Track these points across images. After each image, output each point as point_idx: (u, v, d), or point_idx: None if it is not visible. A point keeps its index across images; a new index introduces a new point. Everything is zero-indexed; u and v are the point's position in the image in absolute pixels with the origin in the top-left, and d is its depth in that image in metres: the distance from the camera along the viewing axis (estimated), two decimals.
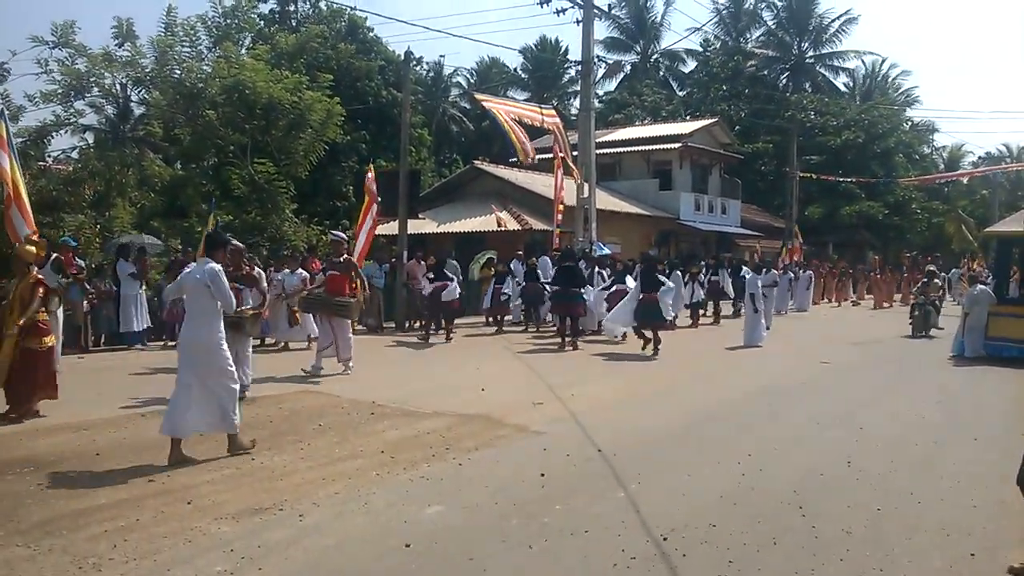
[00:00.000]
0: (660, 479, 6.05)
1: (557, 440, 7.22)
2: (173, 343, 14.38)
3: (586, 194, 21.20)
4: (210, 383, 6.45)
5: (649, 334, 13.88)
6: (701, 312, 20.23)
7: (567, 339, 14.67)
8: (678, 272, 17.73)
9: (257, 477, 5.92)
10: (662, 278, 14.19)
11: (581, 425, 7.85)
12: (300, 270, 14.15)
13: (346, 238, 12.28)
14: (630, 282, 15.28)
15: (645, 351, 13.81)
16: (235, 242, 9.15)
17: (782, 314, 22.17)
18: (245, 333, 8.69)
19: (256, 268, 10.40)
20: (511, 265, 18.62)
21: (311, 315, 12.54)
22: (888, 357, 14.49)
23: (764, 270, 18.45)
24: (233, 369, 6.67)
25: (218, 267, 6.62)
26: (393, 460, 6.45)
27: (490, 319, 18.38)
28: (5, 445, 6.84)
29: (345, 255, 11.64)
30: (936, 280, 19.12)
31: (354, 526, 4.95)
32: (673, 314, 15.33)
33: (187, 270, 6.86)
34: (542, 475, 6.03)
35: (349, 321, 11.46)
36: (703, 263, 21.25)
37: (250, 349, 9.18)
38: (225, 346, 6.60)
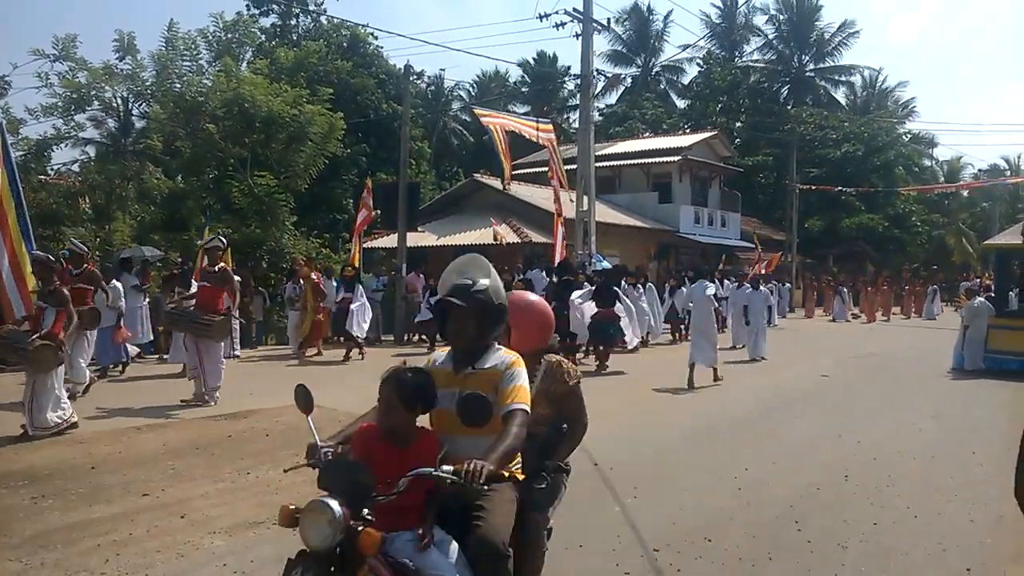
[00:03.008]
0: (656, 493, 6.03)
1: None
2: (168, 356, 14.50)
3: (585, 207, 21.21)
4: None
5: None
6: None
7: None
8: (651, 285, 17.42)
9: (252, 491, 5.90)
10: (623, 296, 13.90)
11: None
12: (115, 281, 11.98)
13: (223, 245, 10.81)
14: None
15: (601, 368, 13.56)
16: (36, 252, 8.43)
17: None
18: (36, 364, 7.54)
19: (81, 283, 9.49)
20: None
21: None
22: (887, 370, 14.47)
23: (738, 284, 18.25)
24: None
25: None
26: None
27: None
28: (0, 458, 6.83)
29: (221, 264, 10.24)
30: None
31: None
32: (631, 336, 14.30)
33: None
34: None
35: (219, 344, 9.86)
36: (684, 275, 21.05)
37: (55, 385, 7.79)
38: None
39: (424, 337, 17.35)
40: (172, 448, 7.23)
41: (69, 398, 9.36)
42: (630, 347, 14.92)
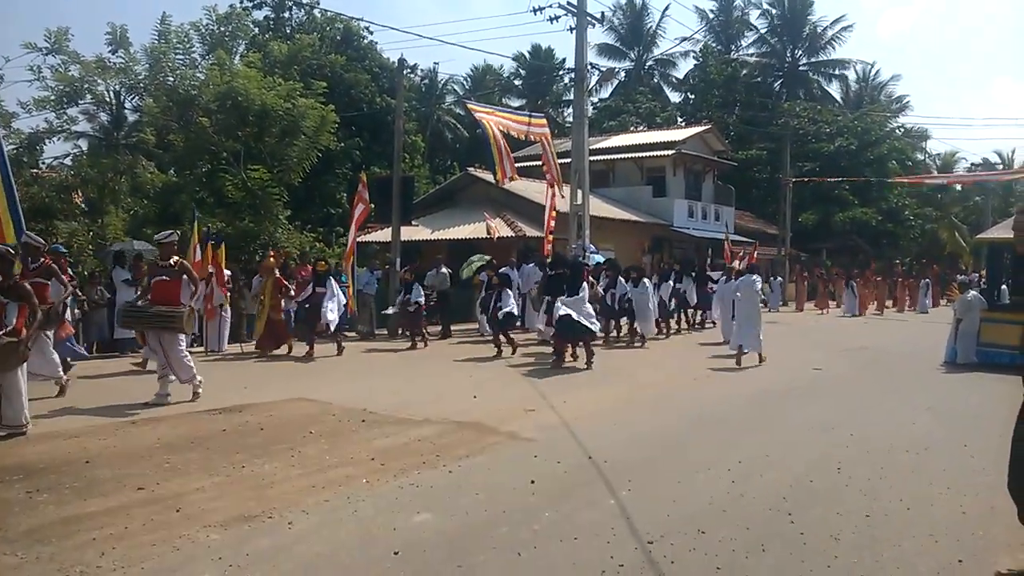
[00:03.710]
0: (650, 486, 6.05)
1: (548, 447, 7.22)
2: None
3: (579, 201, 21.23)
4: None
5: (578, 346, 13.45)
6: (672, 320, 19.81)
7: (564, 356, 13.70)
8: (645, 280, 17.35)
9: (247, 485, 5.91)
10: (585, 285, 13.61)
11: (572, 432, 7.86)
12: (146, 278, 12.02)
13: (177, 238, 10.31)
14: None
15: (577, 363, 13.33)
16: None
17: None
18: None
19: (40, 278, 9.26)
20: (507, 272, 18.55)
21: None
22: (880, 364, 14.53)
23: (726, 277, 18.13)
24: None
25: None
26: (383, 468, 6.44)
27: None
28: None
29: (176, 258, 9.85)
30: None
31: (343, 534, 4.94)
32: (597, 325, 14.10)
33: None
34: (532, 482, 6.02)
35: (180, 336, 9.60)
36: (670, 269, 21.04)
37: (19, 380, 7.57)
38: None
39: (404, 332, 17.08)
40: (167, 442, 7.23)
41: (59, 394, 9.35)
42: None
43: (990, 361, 13.56)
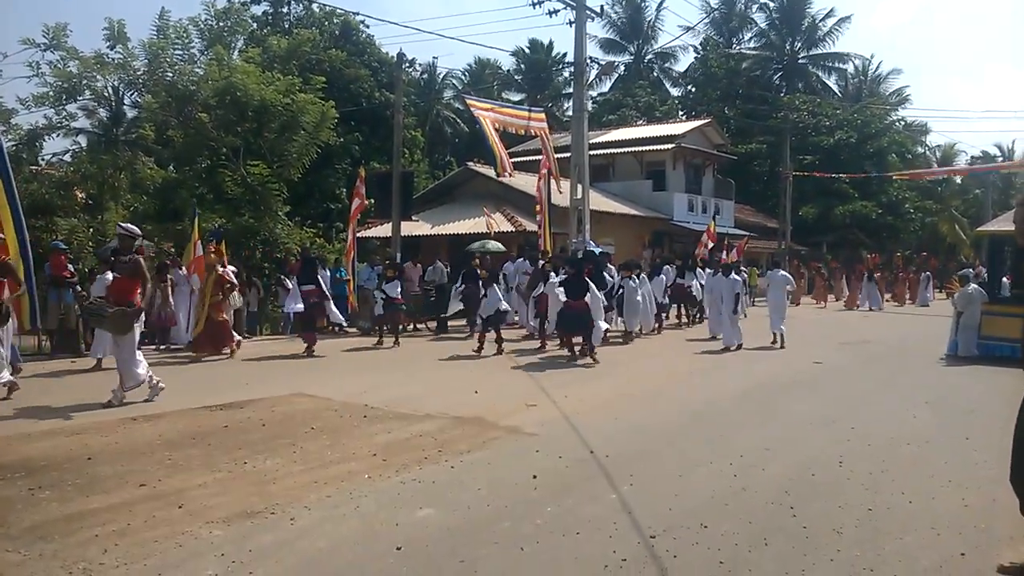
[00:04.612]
0: (652, 480, 6.05)
1: (550, 442, 7.22)
2: (164, 346, 14.49)
3: (579, 195, 21.21)
4: None
5: (580, 343, 13.27)
6: (665, 316, 19.59)
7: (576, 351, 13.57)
8: (644, 276, 17.15)
9: (249, 481, 5.91)
10: (592, 285, 13.42)
11: (573, 426, 7.86)
12: (107, 273, 11.45)
13: (137, 232, 9.81)
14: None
15: (580, 361, 13.06)
16: None
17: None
18: None
19: None
20: (503, 267, 18.58)
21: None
22: (881, 357, 14.53)
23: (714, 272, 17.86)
24: None
25: None
26: (385, 463, 6.44)
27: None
28: None
29: (133, 254, 9.38)
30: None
31: (346, 529, 4.94)
32: (605, 325, 14.14)
33: None
34: (534, 477, 6.03)
35: (131, 338, 8.94)
36: (675, 264, 20.96)
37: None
38: None
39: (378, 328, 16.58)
40: (168, 439, 7.23)
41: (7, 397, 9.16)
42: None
43: (991, 354, 13.56)
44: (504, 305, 14.89)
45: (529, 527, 4.97)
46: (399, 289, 15.37)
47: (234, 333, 14.03)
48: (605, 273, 16.46)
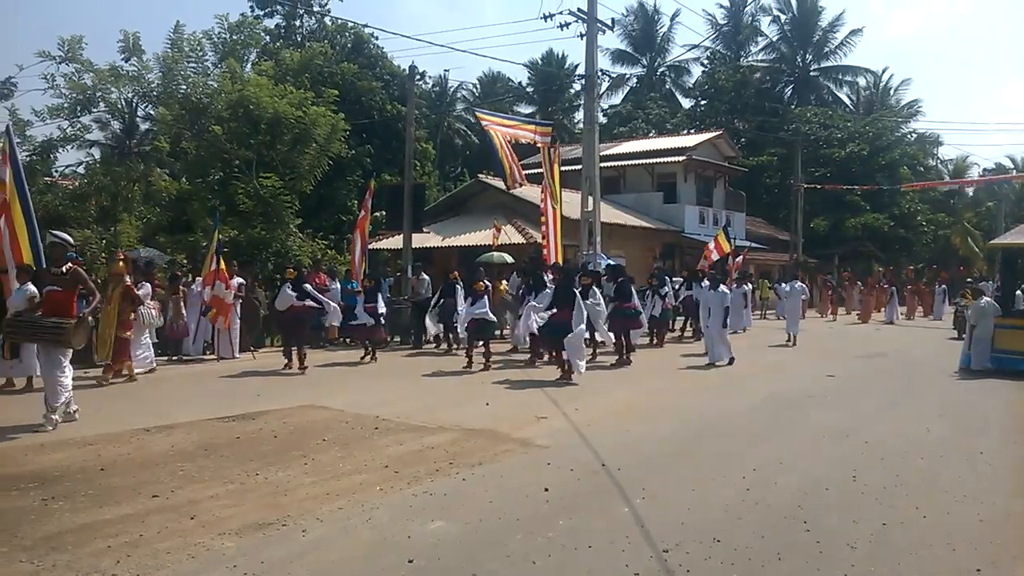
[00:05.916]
0: (664, 493, 6.03)
1: (561, 454, 7.21)
2: (176, 357, 14.53)
3: (590, 207, 21.23)
4: None
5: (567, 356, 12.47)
6: (667, 328, 19.34)
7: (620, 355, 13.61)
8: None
9: (261, 492, 5.92)
10: (580, 294, 12.75)
11: (585, 439, 7.84)
12: (28, 285, 9.54)
13: (70, 241, 9.43)
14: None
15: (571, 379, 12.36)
16: None
17: (737, 332, 20.57)
18: None
19: None
20: (508, 279, 18.49)
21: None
22: (894, 370, 14.45)
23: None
24: None
25: None
26: (397, 475, 6.44)
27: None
28: (10, 460, 6.85)
29: (70, 264, 8.84)
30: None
31: (357, 541, 4.94)
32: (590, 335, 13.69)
33: None
34: (546, 490, 6.01)
35: (65, 352, 8.40)
36: (680, 277, 20.85)
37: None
38: None
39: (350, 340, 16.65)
40: (181, 450, 7.25)
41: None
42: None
43: (1004, 367, 13.49)
44: (491, 316, 14.39)
45: (541, 540, 4.96)
46: (381, 302, 15.38)
47: (131, 355, 12.12)
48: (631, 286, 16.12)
